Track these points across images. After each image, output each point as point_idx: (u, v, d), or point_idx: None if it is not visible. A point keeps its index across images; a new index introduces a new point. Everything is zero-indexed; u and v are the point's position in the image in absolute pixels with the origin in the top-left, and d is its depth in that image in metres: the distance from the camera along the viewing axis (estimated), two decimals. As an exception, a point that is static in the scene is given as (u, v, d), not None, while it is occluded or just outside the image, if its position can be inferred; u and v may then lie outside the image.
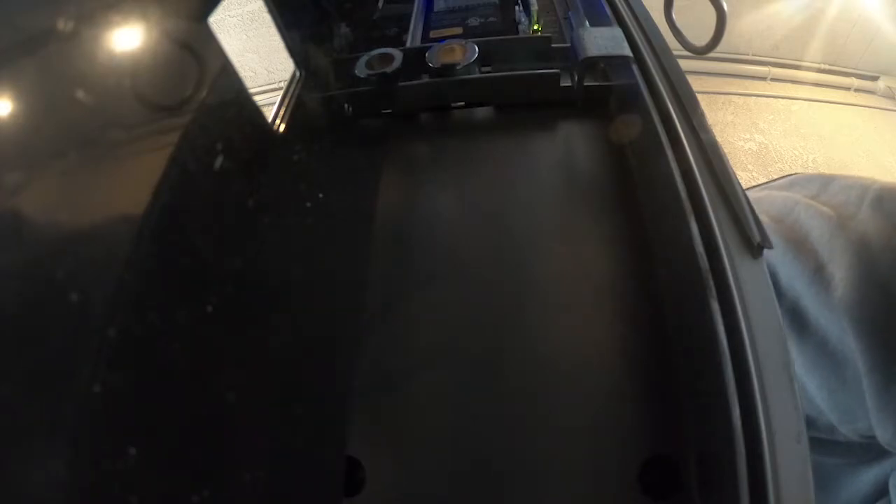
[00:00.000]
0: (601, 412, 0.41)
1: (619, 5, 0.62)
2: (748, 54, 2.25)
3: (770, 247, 0.35)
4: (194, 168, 0.39)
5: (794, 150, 1.98)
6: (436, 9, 0.83)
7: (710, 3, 0.47)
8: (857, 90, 3.24)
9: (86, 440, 0.25)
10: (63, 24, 0.28)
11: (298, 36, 0.64)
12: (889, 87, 3.41)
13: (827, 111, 2.78)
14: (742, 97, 2.12)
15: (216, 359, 0.39)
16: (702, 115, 0.45)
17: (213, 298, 0.40)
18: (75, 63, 0.29)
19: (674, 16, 0.54)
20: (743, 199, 0.37)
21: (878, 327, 0.35)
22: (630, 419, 0.40)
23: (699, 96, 0.47)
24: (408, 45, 0.72)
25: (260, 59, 2.36)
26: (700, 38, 0.50)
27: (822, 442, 0.44)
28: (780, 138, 2.02)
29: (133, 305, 0.30)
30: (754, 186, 0.60)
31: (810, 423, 0.41)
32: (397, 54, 0.68)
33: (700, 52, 0.50)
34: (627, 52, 0.55)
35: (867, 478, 0.42)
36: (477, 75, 0.65)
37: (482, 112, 0.69)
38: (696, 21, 0.53)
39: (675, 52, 0.54)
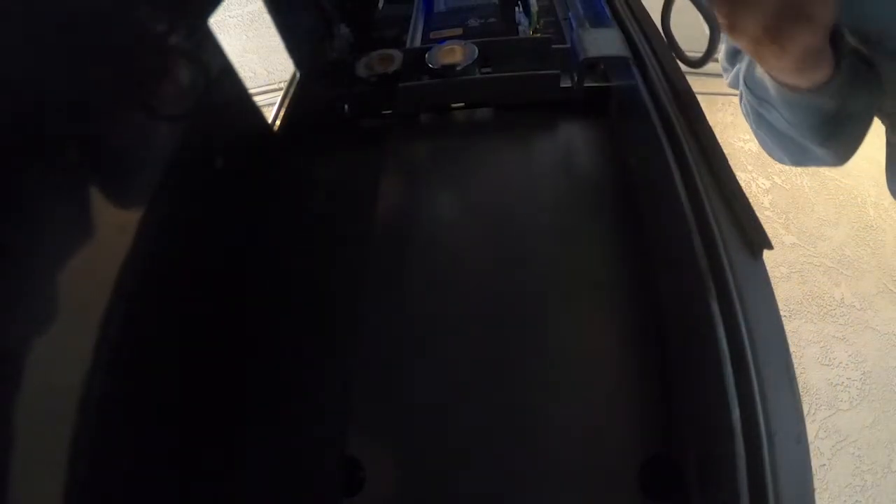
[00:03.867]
0: (601, 412, 0.41)
1: (619, 6, 0.62)
2: (748, 55, 2.27)
3: (770, 247, 0.35)
4: (194, 167, 0.39)
5: (794, 151, 1.98)
6: (436, 10, 0.83)
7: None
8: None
9: (83, 439, 0.25)
10: (63, 24, 0.28)
11: (298, 36, 0.64)
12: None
13: (826, 112, 2.73)
14: (742, 98, 2.11)
15: (215, 359, 0.39)
16: (702, 115, 0.45)
17: (213, 298, 0.40)
18: (76, 62, 0.29)
19: (671, 27, 0.54)
20: (743, 199, 0.37)
21: None
22: (630, 419, 0.40)
23: (699, 96, 0.47)
24: (408, 45, 0.72)
25: (260, 60, 2.37)
26: (701, 39, 0.49)
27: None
28: (780, 139, 2.03)
29: (133, 306, 0.30)
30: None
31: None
32: (397, 55, 0.68)
33: (694, 66, 0.49)
34: (627, 53, 0.55)
35: None
36: (477, 76, 0.65)
37: (482, 112, 0.68)
38: (696, 21, 0.53)
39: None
